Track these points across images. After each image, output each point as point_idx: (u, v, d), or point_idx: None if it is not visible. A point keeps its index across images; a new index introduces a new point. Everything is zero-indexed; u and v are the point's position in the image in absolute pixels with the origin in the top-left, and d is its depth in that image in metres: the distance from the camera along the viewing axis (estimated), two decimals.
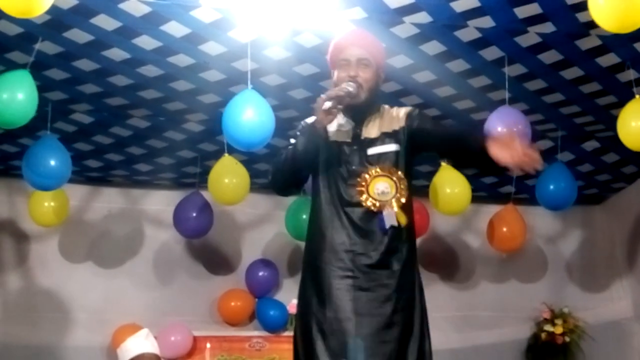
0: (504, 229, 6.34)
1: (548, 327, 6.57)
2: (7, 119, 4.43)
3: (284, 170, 3.33)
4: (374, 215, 3.22)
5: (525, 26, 4.33)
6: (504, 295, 6.85)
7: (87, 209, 6.45)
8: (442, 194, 5.74)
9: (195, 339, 6.29)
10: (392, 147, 3.29)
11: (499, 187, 6.59)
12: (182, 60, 4.70)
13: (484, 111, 5.16)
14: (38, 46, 4.43)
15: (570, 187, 5.81)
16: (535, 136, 4.98)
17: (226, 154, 5.48)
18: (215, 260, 6.62)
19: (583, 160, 6.18)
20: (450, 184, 5.76)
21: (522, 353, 6.70)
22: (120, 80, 4.94)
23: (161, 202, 6.53)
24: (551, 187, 5.80)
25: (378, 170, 3.24)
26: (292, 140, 3.33)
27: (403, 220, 3.23)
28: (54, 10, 3.89)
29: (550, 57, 4.68)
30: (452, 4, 4.13)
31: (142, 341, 4.92)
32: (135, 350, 4.86)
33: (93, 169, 6.27)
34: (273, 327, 6.44)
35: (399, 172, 3.26)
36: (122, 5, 4.13)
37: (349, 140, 3.31)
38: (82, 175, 6.29)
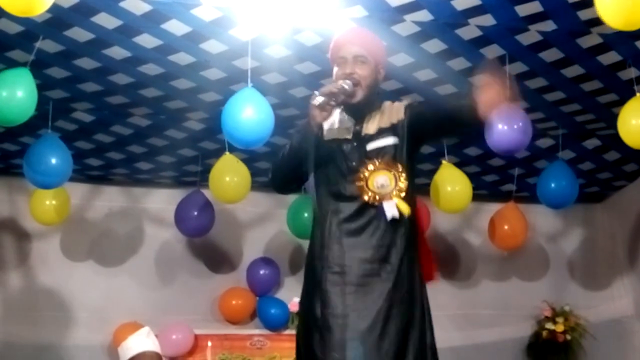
0: (505, 227, 6.35)
1: (549, 325, 6.57)
2: (6, 116, 4.44)
3: (283, 167, 3.34)
4: (373, 208, 3.21)
5: (526, 24, 4.33)
6: (505, 294, 6.84)
7: (88, 208, 6.45)
8: (443, 192, 5.74)
9: (196, 337, 6.29)
10: (390, 140, 3.28)
11: (500, 185, 6.59)
12: (182, 58, 4.70)
13: None
14: (39, 44, 4.42)
15: (572, 185, 5.80)
16: (536, 134, 4.97)
17: (227, 152, 5.47)
18: (216, 259, 6.61)
19: (584, 158, 6.17)
20: (451, 182, 5.75)
21: (523, 351, 6.69)
22: (121, 78, 4.94)
23: (162, 201, 6.52)
24: (552, 185, 5.80)
25: (377, 164, 3.23)
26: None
27: (405, 209, 3.21)
28: (54, 8, 3.88)
29: (551, 55, 4.67)
30: (453, 2, 4.12)
31: (143, 339, 4.91)
32: (136, 349, 4.85)
33: (94, 168, 6.26)
34: (274, 326, 6.43)
35: (398, 165, 3.24)
36: (122, 4, 4.13)
37: (349, 137, 3.31)
38: (83, 173, 6.28)
